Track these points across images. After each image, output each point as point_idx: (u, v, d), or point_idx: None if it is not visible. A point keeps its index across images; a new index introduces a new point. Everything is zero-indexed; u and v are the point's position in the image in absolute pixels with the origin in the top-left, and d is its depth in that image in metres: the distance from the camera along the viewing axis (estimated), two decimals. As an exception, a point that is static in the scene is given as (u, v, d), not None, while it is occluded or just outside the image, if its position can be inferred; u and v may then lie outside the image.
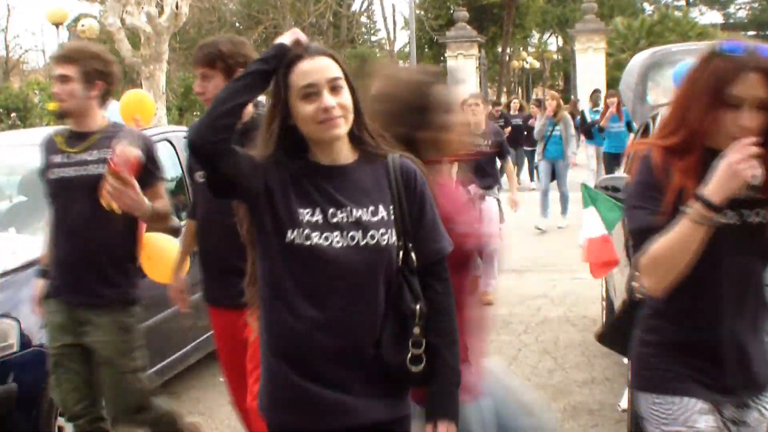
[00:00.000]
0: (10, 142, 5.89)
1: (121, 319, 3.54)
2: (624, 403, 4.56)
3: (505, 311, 7.17)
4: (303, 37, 2.17)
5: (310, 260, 2.08)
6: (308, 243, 2.07)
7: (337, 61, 2.14)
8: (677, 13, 39.76)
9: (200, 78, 3.35)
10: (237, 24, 38.97)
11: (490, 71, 37.62)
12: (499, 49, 40.35)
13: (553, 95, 12.30)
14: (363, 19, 45.22)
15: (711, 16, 49.55)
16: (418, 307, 2.13)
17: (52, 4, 22.21)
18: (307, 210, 2.10)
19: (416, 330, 2.13)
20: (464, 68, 29.09)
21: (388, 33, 42.93)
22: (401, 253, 2.16)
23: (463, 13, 31.12)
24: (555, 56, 53.25)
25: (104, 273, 3.51)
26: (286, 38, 2.16)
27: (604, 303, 6.29)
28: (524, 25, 42.33)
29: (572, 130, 11.60)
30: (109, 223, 3.44)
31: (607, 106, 13.37)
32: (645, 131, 5.54)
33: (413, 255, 2.16)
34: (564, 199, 11.77)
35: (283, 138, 2.14)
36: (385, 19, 53.99)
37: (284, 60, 2.12)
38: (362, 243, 2.10)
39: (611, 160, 12.90)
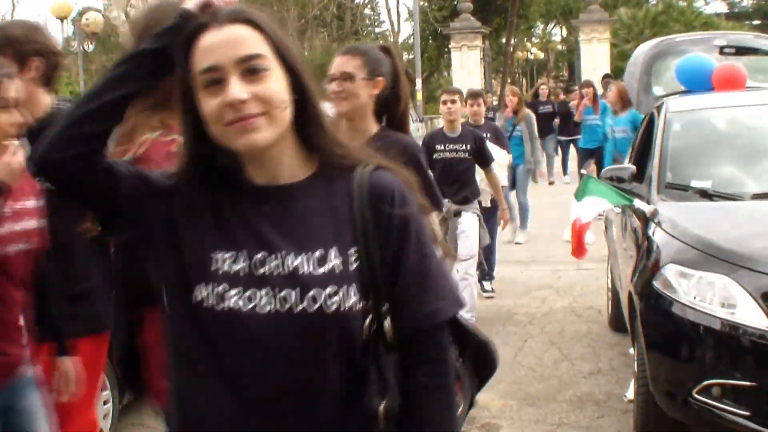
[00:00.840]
0: None
1: None
2: (630, 394, 4.57)
3: (510, 303, 7.20)
4: None
5: (226, 331, 1.41)
6: (222, 306, 1.40)
7: (260, 29, 1.44)
8: (681, 3, 39.60)
9: None
10: (240, 17, 38.97)
11: (495, 62, 37.50)
12: (503, 40, 40.25)
13: (514, 91, 10.12)
14: (367, 11, 45.20)
15: (715, 6, 49.52)
16: (382, 407, 1.41)
17: (56, -2, 22.23)
18: (228, 254, 1.43)
19: None
20: (468, 60, 29.07)
21: (392, 25, 42.95)
22: (368, 320, 1.44)
23: (467, 5, 30.98)
24: (559, 47, 53.07)
25: None
26: (191, 2, 1.48)
27: (609, 294, 6.30)
28: (528, 15, 42.20)
29: (535, 131, 9.94)
30: None
31: (581, 97, 12.59)
32: (649, 122, 5.53)
33: (387, 323, 1.44)
34: (523, 210, 10.01)
35: (200, 147, 1.47)
36: (389, 11, 53.78)
37: (184, 33, 1.45)
38: (297, 308, 1.39)
39: (586, 157, 11.81)
